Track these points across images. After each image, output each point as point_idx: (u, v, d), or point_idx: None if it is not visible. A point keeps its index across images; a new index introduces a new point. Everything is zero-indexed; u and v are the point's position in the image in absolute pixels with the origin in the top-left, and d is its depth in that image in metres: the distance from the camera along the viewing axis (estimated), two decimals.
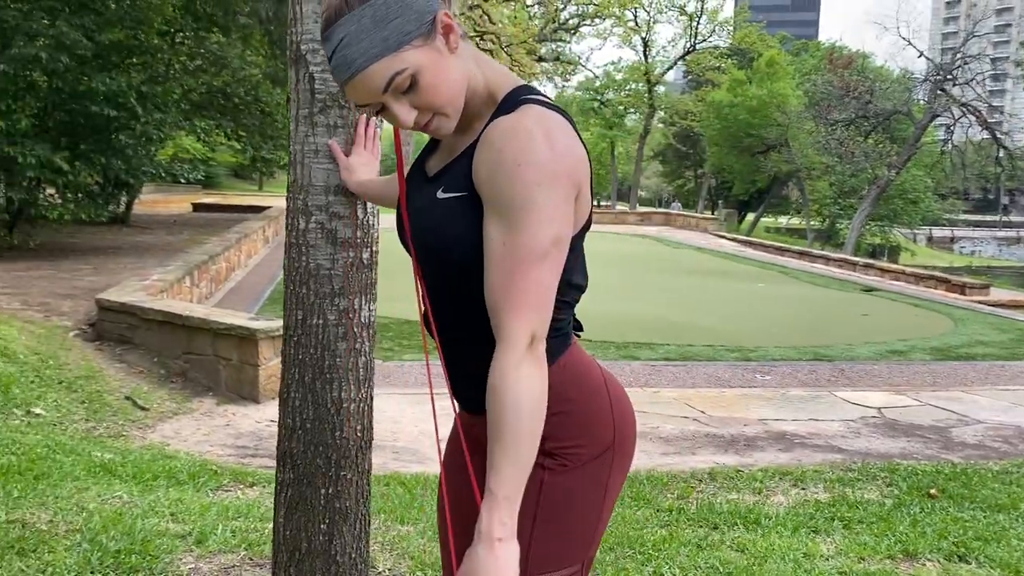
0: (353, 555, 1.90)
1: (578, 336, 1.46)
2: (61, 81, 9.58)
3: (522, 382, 1.14)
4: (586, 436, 1.33)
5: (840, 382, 7.32)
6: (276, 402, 6.71)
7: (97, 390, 5.59)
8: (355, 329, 1.85)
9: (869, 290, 14.78)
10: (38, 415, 4.93)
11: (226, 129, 16.05)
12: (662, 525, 3.76)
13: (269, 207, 20.04)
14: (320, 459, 1.85)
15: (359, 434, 1.88)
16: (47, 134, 9.85)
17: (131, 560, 2.67)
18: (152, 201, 25.56)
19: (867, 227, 31.71)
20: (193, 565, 2.74)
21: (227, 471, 4.29)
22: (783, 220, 48.09)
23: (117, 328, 6.62)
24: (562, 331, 1.34)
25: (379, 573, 2.85)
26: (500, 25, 35.15)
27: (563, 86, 48.18)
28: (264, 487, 4.06)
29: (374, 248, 1.89)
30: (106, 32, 10.14)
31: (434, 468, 4.72)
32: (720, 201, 45.05)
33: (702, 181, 46.79)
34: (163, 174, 12.63)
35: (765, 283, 15.00)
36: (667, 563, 3.13)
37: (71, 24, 9.63)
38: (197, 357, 6.15)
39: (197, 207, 22.30)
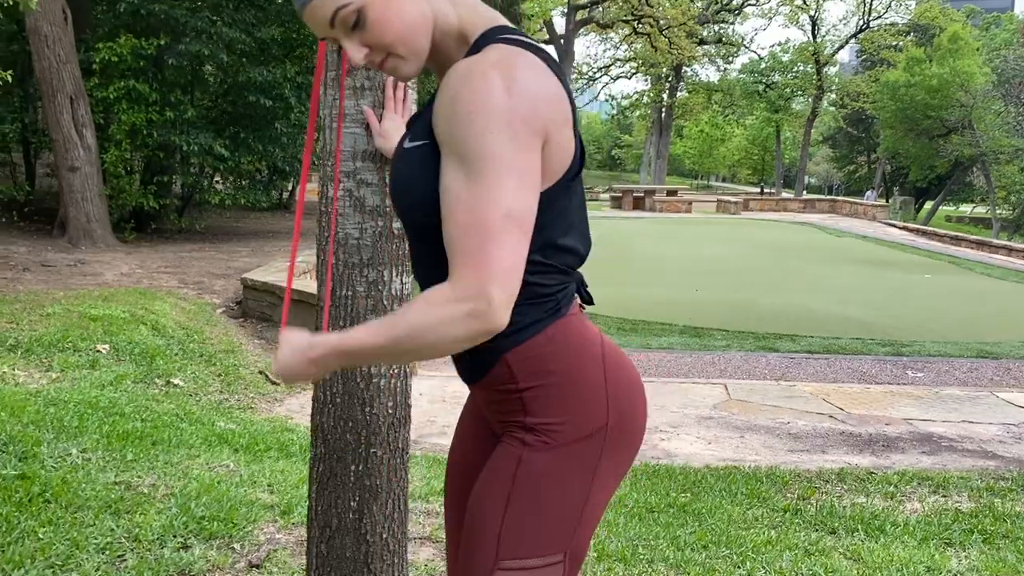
0: (385, 535, 1.84)
1: (582, 308, 1.32)
2: (224, 74, 10.17)
3: (438, 325, 1.07)
4: (571, 413, 1.20)
5: (1005, 382, 6.63)
6: None
7: (234, 364, 5.87)
8: (385, 302, 1.78)
9: None
10: (176, 385, 5.23)
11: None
12: (772, 526, 3.51)
13: None
14: (350, 435, 1.80)
15: (390, 411, 1.81)
16: (211, 124, 10.50)
17: (212, 527, 2.74)
18: (318, 189, 26.89)
19: None
20: (271, 535, 2.79)
21: None
22: (966, 209, 44.53)
23: (259, 306, 6.95)
24: (550, 298, 1.22)
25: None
26: (659, 8, 34.43)
27: (725, 69, 46.69)
28: None
29: None
30: (265, 28, 10.66)
31: None
32: (895, 188, 42.23)
33: (875, 167, 44.02)
34: (315, 161, 13.12)
35: (932, 274, 13.89)
36: (764, 567, 2.90)
37: (233, 21, 10.21)
38: None
39: None
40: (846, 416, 5.49)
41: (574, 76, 44.75)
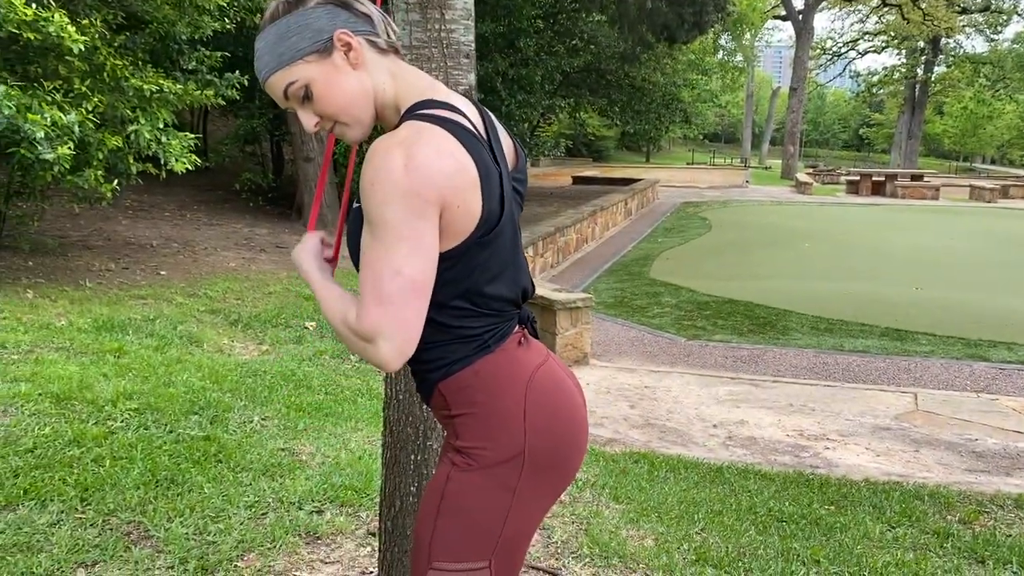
0: None
1: (527, 339, 1.44)
2: None
3: (347, 332, 1.29)
4: (490, 440, 1.35)
5: None
6: (570, 369, 6.81)
7: None
8: None
9: None
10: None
11: (596, 105, 16.74)
12: (912, 548, 3.35)
13: (640, 180, 20.55)
14: (410, 428, 2.03)
15: None
16: None
17: (347, 495, 3.10)
18: (543, 174, 27.65)
19: None
20: None
21: None
22: None
23: None
24: (477, 338, 1.37)
25: (551, 541, 2.97)
26: None
27: (993, 40, 42.18)
28: None
29: None
30: (480, 24, 11.19)
31: (696, 453, 4.67)
32: None
33: None
34: (524, 152, 13.57)
35: None
36: None
37: None
38: None
39: (576, 180, 23.60)
40: None
41: (815, 52, 42.36)
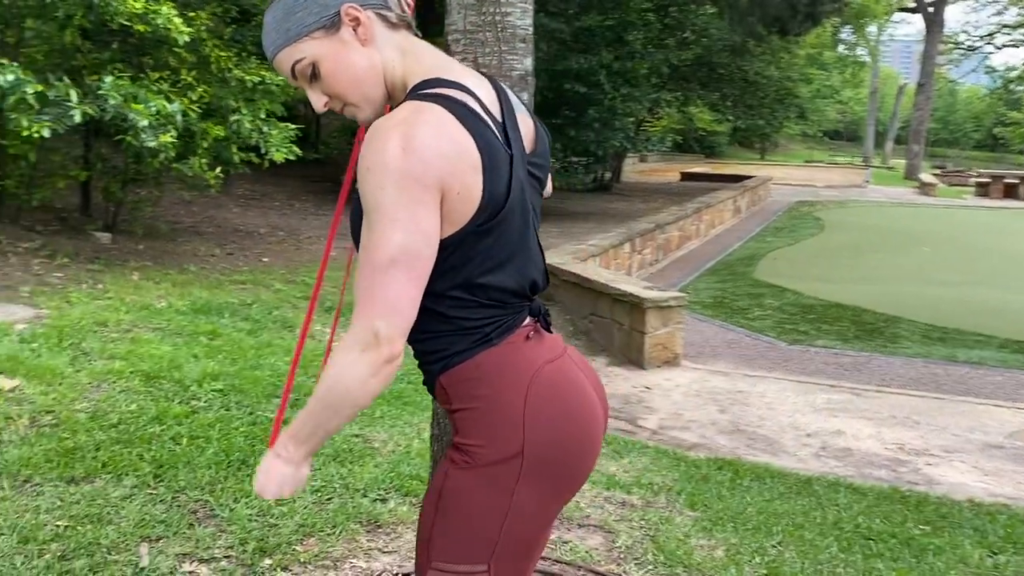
0: None
1: (539, 332, 1.35)
2: (543, 64, 10.77)
3: (344, 370, 1.19)
4: (487, 437, 1.28)
5: None
6: (660, 370, 6.93)
7: None
8: None
9: None
10: None
11: (707, 99, 16.36)
12: None
13: (751, 177, 19.96)
14: None
15: None
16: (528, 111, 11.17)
17: (411, 484, 3.09)
18: (651, 170, 27.28)
19: None
20: None
21: None
22: None
23: None
24: (477, 331, 1.29)
25: (615, 546, 2.87)
26: None
27: None
28: (603, 447, 4.27)
29: None
30: (585, 17, 11.09)
31: (785, 463, 4.46)
32: None
33: None
34: (627, 146, 13.41)
35: None
36: None
37: (558, 11, 10.76)
38: (599, 319, 6.57)
39: (685, 176, 23.14)
40: None
41: (946, 47, 40.18)
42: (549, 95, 11.65)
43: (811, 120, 27.57)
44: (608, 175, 16.42)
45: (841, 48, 38.18)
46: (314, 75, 1.29)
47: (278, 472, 1.30)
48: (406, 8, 1.36)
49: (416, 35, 1.37)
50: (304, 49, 1.28)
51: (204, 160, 5.81)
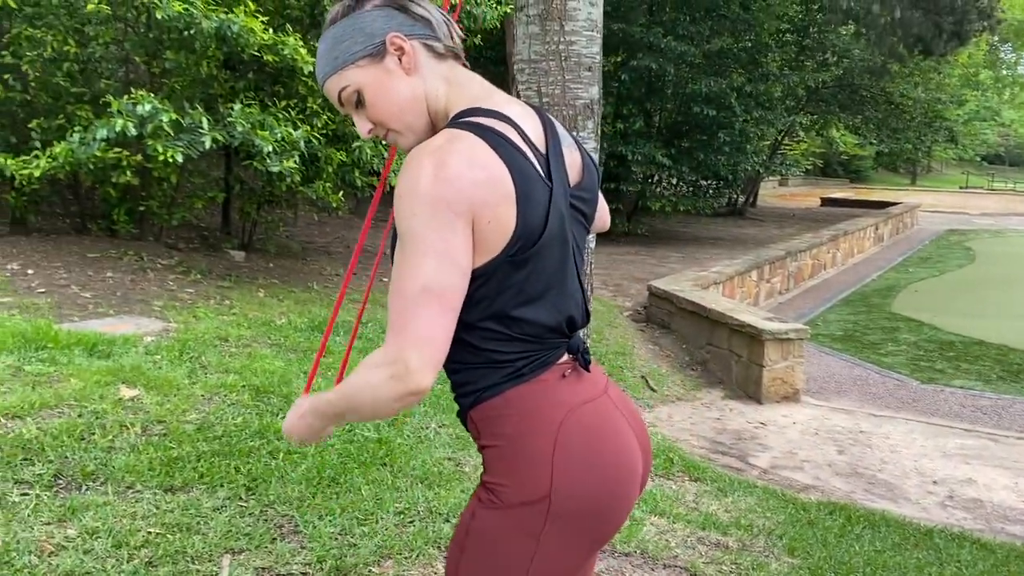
0: None
1: (576, 371, 1.31)
2: (671, 87, 10.64)
3: (369, 387, 1.19)
4: (515, 476, 1.23)
5: None
6: (778, 405, 6.71)
7: (620, 366, 6.23)
8: None
9: None
10: None
11: (848, 122, 15.69)
12: None
13: (896, 204, 18.93)
14: None
15: None
16: (656, 133, 11.05)
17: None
18: (790, 194, 26.39)
19: None
20: None
21: (682, 461, 4.43)
22: None
23: (660, 313, 7.22)
24: (509, 364, 1.26)
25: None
26: None
27: None
28: (706, 485, 4.12)
29: None
30: (715, 40, 10.88)
31: (905, 511, 4.16)
32: None
33: None
34: (759, 170, 12.97)
35: None
36: None
37: (687, 34, 10.61)
38: (716, 349, 6.37)
39: (825, 201, 22.22)
40: None
41: None
42: (679, 118, 11.49)
43: (965, 144, 25.87)
44: (742, 199, 15.97)
45: (1002, 68, 35.80)
46: (359, 102, 1.32)
47: (297, 428, 1.38)
48: (455, 38, 1.36)
49: (465, 65, 1.37)
50: (350, 77, 1.30)
51: (328, 184, 6.04)
